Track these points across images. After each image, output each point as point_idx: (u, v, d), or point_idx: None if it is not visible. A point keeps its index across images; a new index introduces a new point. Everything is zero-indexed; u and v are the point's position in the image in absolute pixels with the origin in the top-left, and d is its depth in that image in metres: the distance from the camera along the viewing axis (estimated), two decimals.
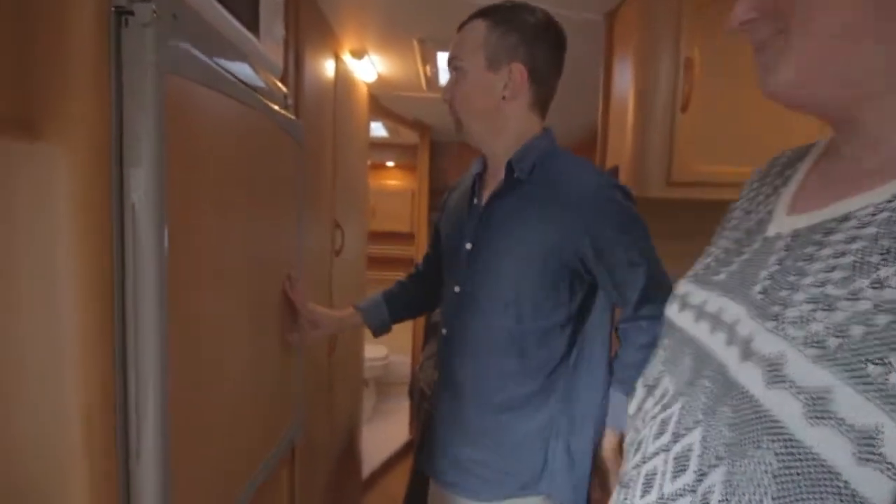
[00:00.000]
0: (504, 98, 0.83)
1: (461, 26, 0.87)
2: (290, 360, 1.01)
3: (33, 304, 0.47)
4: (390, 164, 3.35)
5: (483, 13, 0.84)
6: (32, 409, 0.48)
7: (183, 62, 0.56)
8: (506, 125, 0.86)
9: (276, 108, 0.88)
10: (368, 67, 1.65)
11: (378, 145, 3.06)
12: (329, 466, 1.47)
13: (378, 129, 2.77)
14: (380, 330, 1.06)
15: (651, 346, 0.55)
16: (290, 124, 0.95)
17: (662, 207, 1.04)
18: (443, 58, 1.55)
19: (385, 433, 2.72)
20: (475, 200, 0.91)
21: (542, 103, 0.87)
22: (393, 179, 3.42)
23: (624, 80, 1.14)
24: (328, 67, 1.31)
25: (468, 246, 0.89)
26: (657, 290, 0.80)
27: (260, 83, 0.84)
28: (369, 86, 1.82)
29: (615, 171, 1.16)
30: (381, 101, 2.17)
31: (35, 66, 0.46)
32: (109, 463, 0.51)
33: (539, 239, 0.82)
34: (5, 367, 0.48)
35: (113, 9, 0.48)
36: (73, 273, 0.47)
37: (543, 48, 0.83)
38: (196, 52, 0.59)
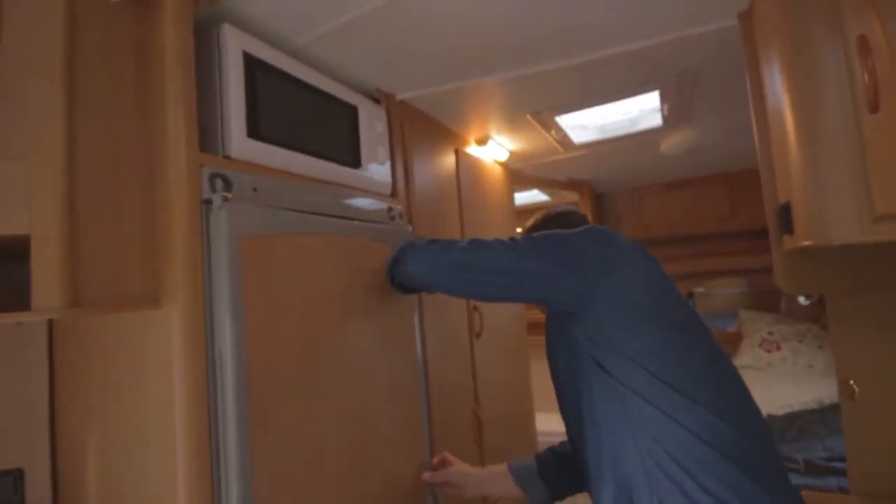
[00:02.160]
0: None
1: None
2: (416, 461, 1.03)
3: (159, 427, 0.63)
4: None
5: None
6: None
7: (260, 223, 0.70)
8: None
9: (373, 225, 0.99)
10: (496, 149, 1.70)
11: (541, 209, 3.03)
12: None
13: (538, 195, 2.77)
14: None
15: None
16: (393, 234, 1.05)
17: (865, 256, 0.70)
18: (563, 120, 1.49)
19: None
20: None
21: None
22: None
23: (776, 91, 0.86)
24: (446, 164, 1.42)
25: None
26: (472, 248, 0.81)
27: (359, 207, 0.98)
28: (505, 163, 1.87)
29: (786, 208, 0.85)
30: (527, 171, 2.18)
31: (157, 255, 0.65)
32: None
33: None
34: (139, 473, 0.65)
35: (202, 201, 0.66)
36: (183, 405, 0.62)
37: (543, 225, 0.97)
38: (275, 211, 0.74)
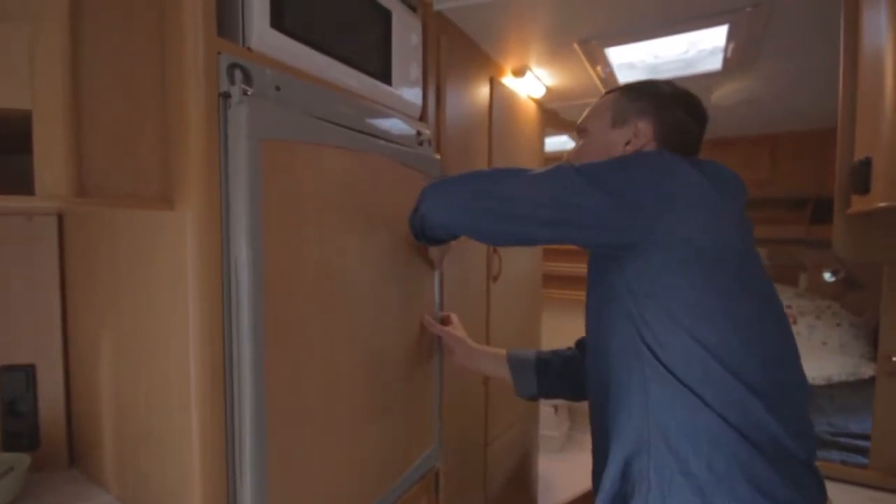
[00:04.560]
0: (627, 151, 0.75)
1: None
2: (426, 389, 1.02)
3: (171, 335, 0.60)
4: None
5: (618, 87, 0.81)
6: (169, 413, 0.61)
7: (283, 127, 0.63)
8: None
9: (403, 148, 0.92)
10: (534, 83, 1.57)
11: None
12: (490, 495, 1.43)
13: (567, 142, 2.62)
14: (525, 395, 0.94)
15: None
16: (421, 161, 0.98)
17: None
18: (613, 53, 1.35)
19: (579, 467, 2.50)
20: None
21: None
22: None
23: (879, 29, 0.74)
24: (480, 93, 1.31)
25: None
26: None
27: (387, 126, 0.90)
28: (540, 101, 1.74)
29: (865, 165, 0.75)
30: (561, 114, 2.04)
31: (169, 151, 0.59)
32: (220, 477, 0.60)
33: None
34: (154, 381, 0.63)
35: (219, 94, 0.58)
36: (196, 313, 0.58)
37: (676, 112, 0.75)
38: (299, 116, 0.66)
